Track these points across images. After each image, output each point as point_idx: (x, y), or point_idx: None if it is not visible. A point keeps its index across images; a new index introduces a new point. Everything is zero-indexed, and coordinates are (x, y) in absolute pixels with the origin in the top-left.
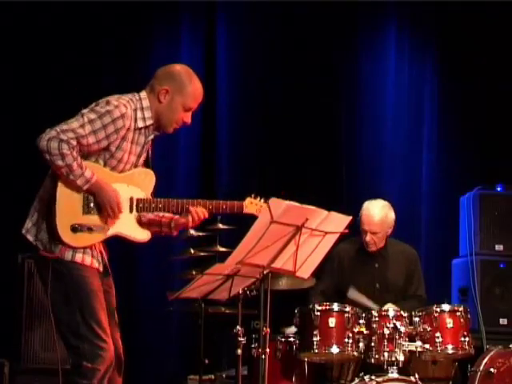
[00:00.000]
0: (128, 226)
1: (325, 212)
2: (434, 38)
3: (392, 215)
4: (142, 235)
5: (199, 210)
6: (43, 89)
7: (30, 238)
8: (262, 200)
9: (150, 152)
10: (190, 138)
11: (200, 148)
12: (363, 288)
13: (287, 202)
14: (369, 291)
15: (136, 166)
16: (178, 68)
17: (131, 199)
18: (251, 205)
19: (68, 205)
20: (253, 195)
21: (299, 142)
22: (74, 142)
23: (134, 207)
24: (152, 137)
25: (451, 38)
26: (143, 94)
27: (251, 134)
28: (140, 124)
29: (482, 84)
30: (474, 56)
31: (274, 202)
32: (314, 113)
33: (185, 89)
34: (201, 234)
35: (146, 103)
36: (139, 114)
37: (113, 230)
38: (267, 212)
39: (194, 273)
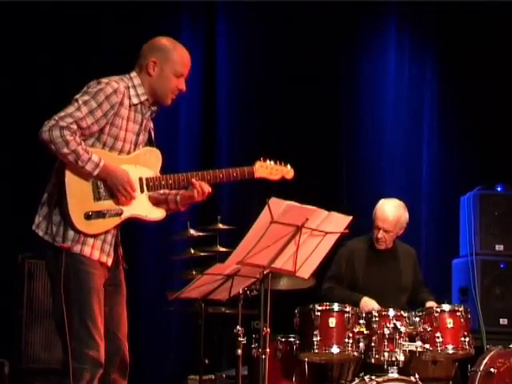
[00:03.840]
0: (142, 207)
1: (325, 212)
2: (434, 38)
3: (406, 216)
4: (157, 214)
5: (203, 184)
6: (43, 89)
7: (40, 232)
8: (272, 162)
9: (151, 131)
10: (190, 137)
11: (200, 148)
12: (375, 288)
13: (287, 202)
14: (380, 291)
15: (136, 144)
16: (160, 38)
17: (140, 179)
18: (262, 168)
19: (78, 194)
20: (262, 158)
21: (299, 141)
22: (75, 127)
23: (145, 187)
24: (149, 113)
25: (451, 38)
26: (133, 73)
27: (251, 134)
28: (135, 100)
29: (482, 84)
30: (473, 56)
31: (274, 201)
32: (313, 113)
33: (171, 55)
34: (201, 234)
35: (137, 81)
36: (132, 92)
37: (127, 213)
38: (267, 212)
39: (194, 273)
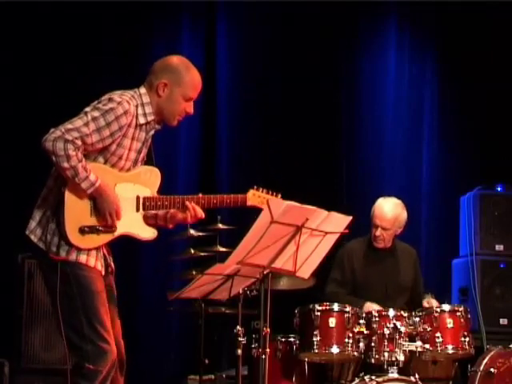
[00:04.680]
0: (135, 225)
1: (325, 212)
2: (434, 38)
3: (405, 215)
4: (149, 233)
5: (197, 208)
6: (44, 88)
7: (34, 238)
8: (265, 191)
9: (151, 147)
10: (189, 138)
11: (200, 149)
12: (374, 287)
13: (287, 202)
14: (380, 291)
15: (136, 162)
16: (175, 59)
17: (137, 198)
18: (254, 197)
19: (76, 207)
20: (255, 187)
21: (299, 141)
22: (79, 142)
23: (141, 206)
24: (153, 132)
25: (451, 38)
26: (142, 89)
27: (251, 134)
28: (141, 120)
29: (482, 84)
30: (473, 56)
31: (274, 201)
32: (313, 113)
33: (183, 79)
34: (201, 234)
35: (146, 99)
36: (140, 110)
37: (120, 230)
38: (267, 212)
39: (194, 273)
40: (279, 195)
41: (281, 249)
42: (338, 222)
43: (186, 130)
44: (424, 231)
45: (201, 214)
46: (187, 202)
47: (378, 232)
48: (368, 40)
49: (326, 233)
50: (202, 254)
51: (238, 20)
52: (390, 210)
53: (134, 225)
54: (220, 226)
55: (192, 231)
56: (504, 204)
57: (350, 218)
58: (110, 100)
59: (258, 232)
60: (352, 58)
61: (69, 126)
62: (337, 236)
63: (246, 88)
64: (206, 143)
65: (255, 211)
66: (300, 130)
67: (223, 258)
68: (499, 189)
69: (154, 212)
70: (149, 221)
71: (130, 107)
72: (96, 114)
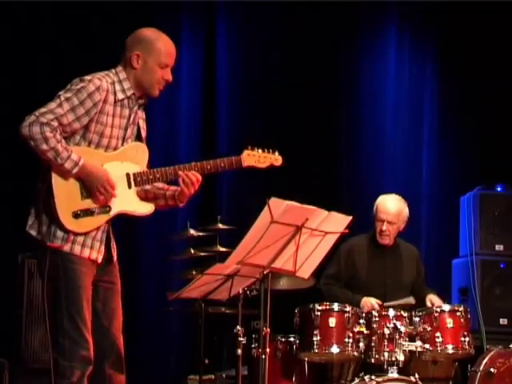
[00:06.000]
0: (130, 203)
1: (325, 212)
2: (434, 38)
3: (407, 210)
4: (146, 208)
5: (189, 173)
6: (44, 88)
7: (34, 233)
8: (260, 150)
9: (143, 122)
10: (190, 138)
11: (200, 148)
12: (376, 283)
13: (287, 202)
14: (380, 288)
15: (124, 139)
16: (143, 30)
17: (128, 175)
18: (249, 157)
19: (65, 193)
20: (249, 147)
21: (299, 141)
22: (55, 123)
23: (132, 182)
24: (137, 107)
25: (451, 38)
26: (119, 68)
27: (251, 134)
28: (120, 96)
29: (482, 84)
30: (474, 56)
31: (274, 201)
32: (313, 113)
33: (154, 47)
34: (201, 234)
35: (122, 75)
36: (118, 87)
37: (115, 209)
38: (267, 212)
39: (194, 273)
40: (276, 152)
41: (281, 249)
42: (338, 221)
43: (186, 130)
44: (424, 231)
45: (196, 177)
46: (180, 172)
47: (384, 226)
48: (368, 40)
49: (326, 233)
50: (202, 254)
51: (238, 20)
52: (393, 204)
53: (128, 202)
54: (220, 226)
55: (192, 231)
56: (504, 204)
57: (350, 217)
58: (81, 80)
59: (257, 232)
60: (352, 58)
61: (42, 109)
62: (337, 236)
63: (246, 88)
64: (206, 143)
65: (255, 211)
66: (300, 129)
67: (223, 257)
68: (499, 189)
69: (162, 192)
70: (159, 202)
71: (102, 83)
72: (68, 94)
